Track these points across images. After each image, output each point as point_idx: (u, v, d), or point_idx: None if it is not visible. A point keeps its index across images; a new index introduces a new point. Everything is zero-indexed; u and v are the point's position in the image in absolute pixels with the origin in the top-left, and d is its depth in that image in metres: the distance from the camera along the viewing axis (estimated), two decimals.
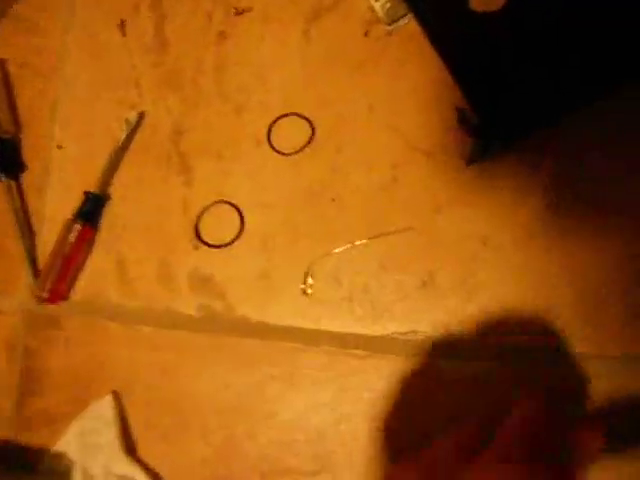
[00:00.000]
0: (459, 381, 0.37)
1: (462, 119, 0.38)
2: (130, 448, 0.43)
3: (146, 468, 0.42)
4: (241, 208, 0.43)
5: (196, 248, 0.43)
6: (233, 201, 0.43)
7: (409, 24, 0.41)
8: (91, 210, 0.45)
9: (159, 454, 0.43)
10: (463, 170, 0.39)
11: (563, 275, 0.36)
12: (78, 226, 0.44)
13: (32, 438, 0.46)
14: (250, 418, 0.41)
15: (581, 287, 0.36)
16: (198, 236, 0.43)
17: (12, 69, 0.51)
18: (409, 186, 0.40)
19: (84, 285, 0.46)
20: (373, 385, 0.39)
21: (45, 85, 0.49)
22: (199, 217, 0.44)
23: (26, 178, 0.49)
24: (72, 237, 0.44)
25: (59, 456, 0.44)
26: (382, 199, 0.40)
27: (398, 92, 0.41)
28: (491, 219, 0.38)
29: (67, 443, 0.44)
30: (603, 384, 0.34)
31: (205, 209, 0.43)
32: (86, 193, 0.45)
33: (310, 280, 0.40)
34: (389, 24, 0.42)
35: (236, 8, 0.44)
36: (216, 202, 0.43)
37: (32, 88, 0.50)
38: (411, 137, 0.40)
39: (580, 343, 0.35)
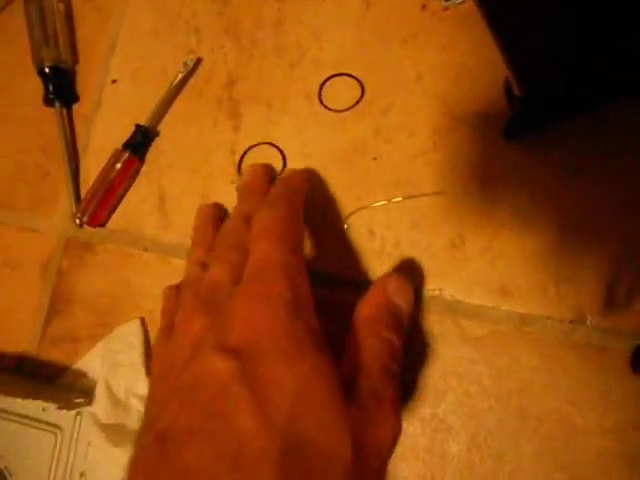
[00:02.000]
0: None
1: (509, 94, 0.40)
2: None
3: None
4: (285, 153, 0.45)
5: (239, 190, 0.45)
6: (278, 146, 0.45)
7: (465, 3, 0.44)
8: (140, 142, 0.47)
9: None
10: (501, 144, 0.41)
11: (588, 252, 0.39)
12: (126, 155, 0.46)
13: (55, 355, 0.47)
14: None
15: (605, 267, 0.38)
16: (240, 174, 0.45)
17: (75, 3, 0.52)
18: (447, 153, 0.42)
19: (123, 214, 0.48)
20: None
21: (105, 22, 0.51)
22: (242, 157, 0.46)
23: (79, 108, 0.51)
24: (118, 166, 0.46)
25: (81, 373, 0.45)
26: (421, 162, 0.42)
27: (447, 65, 0.43)
28: (522, 193, 0.40)
29: (91, 361, 0.45)
30: None
31: (249, 148, 0.45)
32: (137, 126, 0.47)
33: (346, 228, 0.42)
34: (446, 1, 0.44)
35: None
36: (261, 143, 0.45)
37: (92, 23, 0.52)
38: (454, 107, 0.43)
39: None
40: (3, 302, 0.50)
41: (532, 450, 0.37)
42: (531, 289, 0.39)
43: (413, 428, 0.39)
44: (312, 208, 0.43)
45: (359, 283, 0.42)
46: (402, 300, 0.35)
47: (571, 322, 0.38)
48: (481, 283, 0.40)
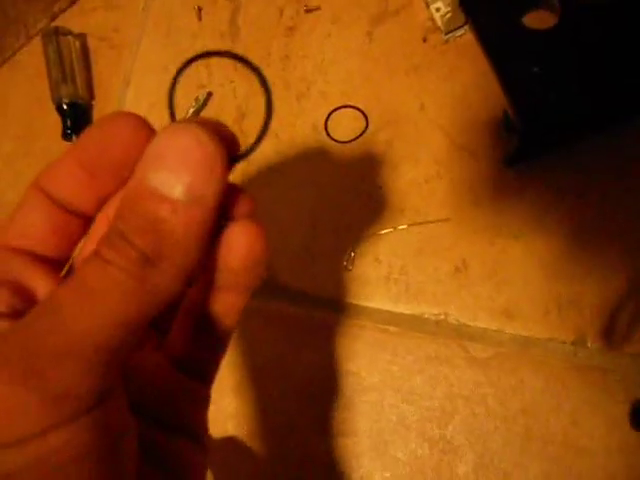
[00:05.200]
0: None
1: (507, 123, 0.41)
2: None
3: None
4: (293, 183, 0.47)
5: None
6: (287, 180, 0.47)
7: (464, 35, 0.45)
8: None
9: None
10: (503, 170, 0.42)
11: (589, 275, 0.40)
12: None
13: None
14: (281, 380, 0.45)
15: (606, 289, 0.39)
16: None
17: (91, 42, 0.55)
18: (451, 181, 0.44)
19: None
20: (402, 360, 0.42)
21: (120, 59, 0.54)
22: (254, 190, 0.47)
23: None
24: None
25: None
26: (425, 190, 0.44)
27: (448, 95, 0.45)
28: (524, 217, 0.41)
29: None
30: None
31: (259, 185, 0.47)
32: None
33: (352, 256, 0.44)
34: (446, 33, 0.46)
35: (307, 5, 0.49)
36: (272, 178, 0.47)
37: (107, 60, 0.54)
38: (457, 137, 0.44)
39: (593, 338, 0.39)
40: None
41: (538, 471, 0.38)
42: (534, 312, 0.40)
43: (421, 449, 0.40)
44: (318, 237, 0.45)
45: (366, 308, 0.43)
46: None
47: (573, 344, 0.39)
48: (485, 307, 0.41)
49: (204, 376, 0.23)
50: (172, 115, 0.19)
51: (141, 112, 0.51)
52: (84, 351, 0.16)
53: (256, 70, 0.19)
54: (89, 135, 0.20)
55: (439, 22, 0.46)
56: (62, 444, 0.16)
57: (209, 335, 0.22)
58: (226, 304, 0.22)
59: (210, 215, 0.17)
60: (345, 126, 0.46)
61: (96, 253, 0.17)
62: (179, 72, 0.18)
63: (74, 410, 0.16)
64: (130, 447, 0.18)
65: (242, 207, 0.20)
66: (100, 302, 0.16)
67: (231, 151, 0.19)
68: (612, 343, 0.39)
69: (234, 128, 0.49)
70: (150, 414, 0.21)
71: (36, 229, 0.20)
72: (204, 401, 0.23)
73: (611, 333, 0.39)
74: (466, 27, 0.45)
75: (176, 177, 0.17)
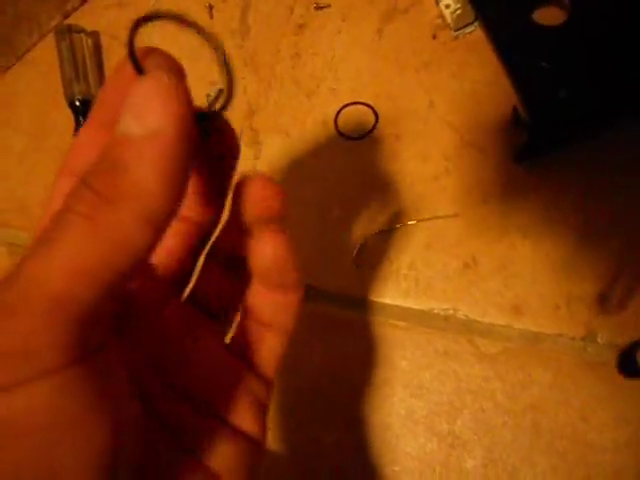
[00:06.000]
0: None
1: (517, 119, 0.42)
2: None
3: None
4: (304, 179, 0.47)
5: None
6: (297, 175, 0.47)
7: (474, 32, 0.46)
8: None
9: None
10: (512, 167, 0.43)
11: (598, 271, 0.40)
12: None
13: None
14: (289, 375, 0.45)
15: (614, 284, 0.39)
16: None
17: (103, 39, 0.55)
18: (460, 177, 0.44)
19: None
20: (411, 355, 0.42)
21: None
22: None
23: None
24: None
25: None
26: (434, 187, 0.44)
27: (458, 92, 0.45)
28: (533, 214, 0.42)
29: None
30: None
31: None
32: None
33: (362, 251, 0.44)
34: (456, 30, 0.46)
35: (317, 3, 0.49)
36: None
37: (119, 58, 0.54)
38: (466, 133, 0.44)
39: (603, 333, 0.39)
40: None
41: (547, 465, 0.38)
42: (543, 307, 0.40)
43: (430, 444, 0.41)
44: (327, 232, 0.45)
45: (375, 303, 0.43)
46: None
47: (582, 339, 0.39)
48: (494, 302, 0.41)
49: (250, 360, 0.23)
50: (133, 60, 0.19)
51: None
52: (38, 303, 0.14)
53: (201, 31, 0.19)
54: (104, 93, 0.20)
55: (449, 19, 0.46)
56: (21, 409, 0.14)
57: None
58: (276, 304, 0.23)
59: (172, 151, 0.16)
60: (355, 122, 0.47)
61: (62, 204, 0.16)
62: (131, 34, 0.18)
63: (33, 370, 0.14)
64: (119, 417, 0.16)
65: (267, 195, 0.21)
66: (54, 249, 0.15)
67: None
68: (621, 337, 0.39)
69: (244, 124, 0.50)
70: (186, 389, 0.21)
71: None
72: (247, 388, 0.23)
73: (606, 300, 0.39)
74: (476, 24, 0.45)
75: (135, 116, 0.17)
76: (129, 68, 0.18)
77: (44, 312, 0.14)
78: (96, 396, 0.15)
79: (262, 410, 0.23)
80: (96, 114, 0.20)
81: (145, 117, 0.16)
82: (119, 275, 0.15)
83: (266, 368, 0.24)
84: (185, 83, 0.18)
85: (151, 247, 0.16)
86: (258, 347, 0.24)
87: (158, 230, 0.16)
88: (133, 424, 0.17)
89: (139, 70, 0.18)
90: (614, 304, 0.39)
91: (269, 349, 0.24)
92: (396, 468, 0.41)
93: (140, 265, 0.16)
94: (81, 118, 0.52)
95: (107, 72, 0.55)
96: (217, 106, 0.20)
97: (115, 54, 0.55)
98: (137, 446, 0.18)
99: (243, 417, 0.22)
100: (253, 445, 0.22)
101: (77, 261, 0.15)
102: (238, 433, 0.22)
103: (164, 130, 0.16)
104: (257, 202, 0.21)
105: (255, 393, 0.23)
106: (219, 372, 0.22)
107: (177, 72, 0.19)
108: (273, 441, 0.43)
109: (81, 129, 0.21)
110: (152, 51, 0.19)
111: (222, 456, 0.21)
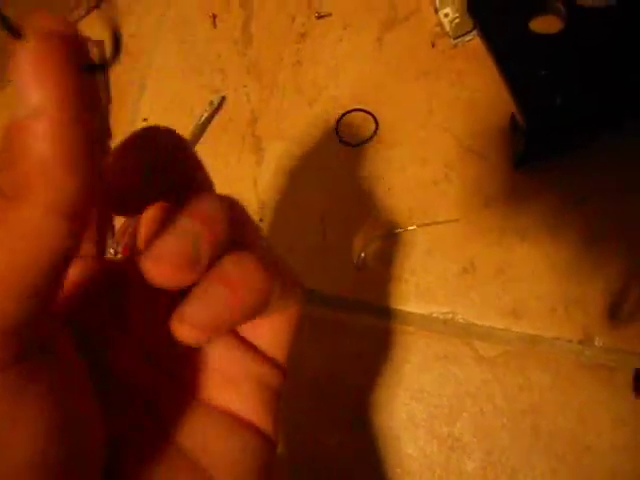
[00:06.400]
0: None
1: (515, 126, 0.42)
2: None
3: None
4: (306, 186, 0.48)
5: (261, 220, 0.48)
6: (299, 181, 0.48)
7: (472, 40, 0.46)
8: None
9: None
10: (511, 172, 0.43)
11: (595, 274, 0.40)
12: None
13: None
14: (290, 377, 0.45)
15: (613, 288, 0.40)
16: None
17: (108, 48, 0.56)
18: (459, 183, 0.44)
19: None
20: (412, 358, 0.43)
21: (136, 64, 0.55)
22: (266, 192, 0.49)
23: (112, 145, 0.54)
24: None
25: None
26: (433, 192, 0.45)
27: (457, 99, 0.46)
28: (532, 218, 0.42)
29: None
30: None
31: (271, 186, 0.48)
32: None
33: (363, 256, 0.45)
34: (454, 39, 0.47)
35: (318, 12, 0.50)
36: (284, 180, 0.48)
37: (124, 65, 0.56)
38: (465, 139, 0.45)
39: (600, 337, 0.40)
40: None
41: (546, 467, 0.39)
42: (541, 311, 0.41)
43: (430, 447, 0.41)
44: (329, 237, 0.46)
45: (376, 307, 0.44)
46: None
47: (580, 342, 0.40)
48: (492, 306, 0.42)
49: None
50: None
51: (156, 117, 0.53)
52: None
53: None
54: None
55: (447, 27, 0.47)
56: None
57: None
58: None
59: (63, 129, 0.13)
60: (356, 129, 0.48)
61: None
62: None
63: None
64: (64, 414, 0.15)
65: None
66: None
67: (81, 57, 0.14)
68: (618, 340, 0.39)
69: (247, 131, 0.50)
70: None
71: None
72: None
73: (616, 313, 0.39)
74: (474, 32, 0.46)
75: (18, 93, 0.14)
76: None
77: None
78: (31, 397, 0.14)
79: (270, 398, 0.22)
80: None
81: (23, 93, 0.13)
82: (41, 276, 0.14)
83: (274, 350, 0.22)
84: (73, 43, 0.14)
85: (73, 238, 0.15)
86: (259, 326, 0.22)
87: (73, 219, 0.14)
88: (91, 418, 0.17)
89: (16, 34, 0.15)
90: (625, 316, 0.39)
91: (272, 329, 0.22)
92: (397, 470, 0.41)
93: (72, 257, 0.15)
94: None
95: (112, 79, 0.56)
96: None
97: (119, 62, 0.56)
98: (99, 441, 0.17)
99: (245, 404, 0.21)
100: (259, 438, 0.20)
101: None
102: (238, 422, 0.20)
103: (44, 106, 0.13)
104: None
105: (261, 378, 0.21)
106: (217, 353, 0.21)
107: (61, 32, 0.14)
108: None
109: None
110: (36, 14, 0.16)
111: (217, 451, 0.19)
